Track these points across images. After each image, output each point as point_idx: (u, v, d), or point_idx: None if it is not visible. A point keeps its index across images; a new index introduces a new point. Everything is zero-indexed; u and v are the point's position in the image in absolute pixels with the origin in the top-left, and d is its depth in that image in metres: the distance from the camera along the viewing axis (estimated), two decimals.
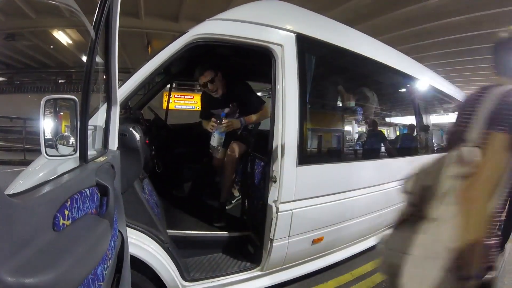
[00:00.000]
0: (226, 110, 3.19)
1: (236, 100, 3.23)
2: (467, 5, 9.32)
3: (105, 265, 1.16)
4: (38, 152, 1.20)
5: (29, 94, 14.07)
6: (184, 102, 14.33)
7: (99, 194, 1.22)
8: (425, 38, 12.32)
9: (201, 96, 3.63)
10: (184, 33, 2.24)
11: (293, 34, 2.49)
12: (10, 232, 0.68)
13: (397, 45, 4.55)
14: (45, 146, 1.08)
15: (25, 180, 1.70)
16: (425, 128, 4.53)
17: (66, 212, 0.91)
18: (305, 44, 2.55)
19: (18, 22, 11.14)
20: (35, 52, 16.49)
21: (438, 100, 5.25)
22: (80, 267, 0.89)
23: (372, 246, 3.68)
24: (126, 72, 2.62)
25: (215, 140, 2.93)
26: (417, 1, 9.45)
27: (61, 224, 0.87)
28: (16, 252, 0.68)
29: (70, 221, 0.93)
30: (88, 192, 1.10)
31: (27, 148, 8.68)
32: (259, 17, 2.42)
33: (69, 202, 0.93)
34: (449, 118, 5.90)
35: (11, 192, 1.56)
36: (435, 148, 4.96)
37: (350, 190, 2.97)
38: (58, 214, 0.86)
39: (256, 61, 2.96)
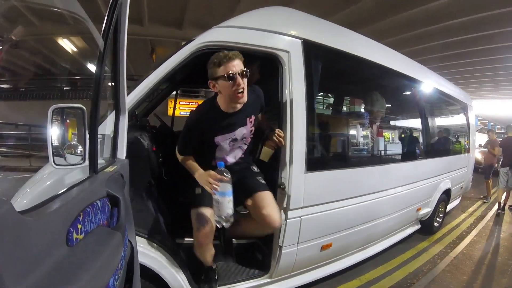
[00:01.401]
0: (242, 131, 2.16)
1: (256, 111, 2.25)
2: (469, 6, 9.24)
3: (116, 276, 1.14)
4: (43, 158, 1.19)
5: (34, 101, 14.11)
6: (189, 109, 14.32)
7: (110, 205, 1.21)
8: (427, 41, 12.26)
9: (197, 114, 2.12)
10: (191, 40, 2.23)
11: (299, 40, 2.48)
12: (23, 251, 0.66)
13: (400, 48, 4.54)
14: (53, 155, 1.06)
15: (32, 188, 1.69)
16: (431, 133, 4.51)
17: (79, 226, 0.90)
18: (311, 50, 2.54)
19: (22, 30, 11.19)
20: (40, 59, 16.59)
21: (444, 103, 5.24)
22: (95, 284, 0.87)
23: (380, 251, 3.65)
24: (131, 80, 2.60)
25: (224, 206, 1.88)
26: (419, 4, 9.40)
27: (74, 239, 0.86)
28: (30, 272, 0.67)
29: (83, 234, 0.92)
30: (99, 204, 1.09)
31: (32, 154, 8.70)
32: (266, 23, 2.41)
33: (81, 216, 0.92)
34: (453, 120, 5.87)
35: (18, 200, 1.57)
36: (441, 151, 4.93)
37: (359, 196, 2.95)
38: (71, 229, 0.85)
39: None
